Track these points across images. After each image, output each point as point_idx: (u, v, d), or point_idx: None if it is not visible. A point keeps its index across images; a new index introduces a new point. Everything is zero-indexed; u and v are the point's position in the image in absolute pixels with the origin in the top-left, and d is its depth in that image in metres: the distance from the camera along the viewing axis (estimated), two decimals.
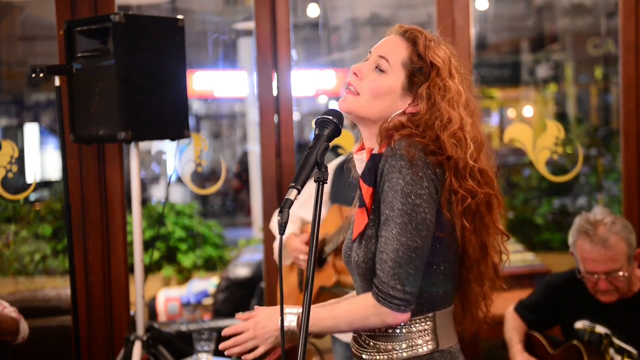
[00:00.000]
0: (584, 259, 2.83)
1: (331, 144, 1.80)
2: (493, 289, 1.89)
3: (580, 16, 9.38)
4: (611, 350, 2.84)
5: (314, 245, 1.66)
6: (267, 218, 3.68)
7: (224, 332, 1.86)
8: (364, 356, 1.85)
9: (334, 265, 2.82)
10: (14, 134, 8.06)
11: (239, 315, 1.88)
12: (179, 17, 3.24)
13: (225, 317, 4.94)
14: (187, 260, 6.89)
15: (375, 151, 1.81)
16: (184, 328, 4.60)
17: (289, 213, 1.65)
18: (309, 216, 3.01)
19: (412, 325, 1.80)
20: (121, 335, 3.53)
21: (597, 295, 2.86)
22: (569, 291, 2.99)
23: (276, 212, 3.21)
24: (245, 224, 9.53)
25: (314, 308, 1.79)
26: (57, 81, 3.07)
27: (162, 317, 5.99)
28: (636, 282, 2.89)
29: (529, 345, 3.07)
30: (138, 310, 3.20)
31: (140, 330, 3.18)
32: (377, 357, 1.82)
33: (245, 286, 5.08)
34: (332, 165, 3.00)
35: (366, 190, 1.77)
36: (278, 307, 1.79)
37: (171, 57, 3.20)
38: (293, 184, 1.69)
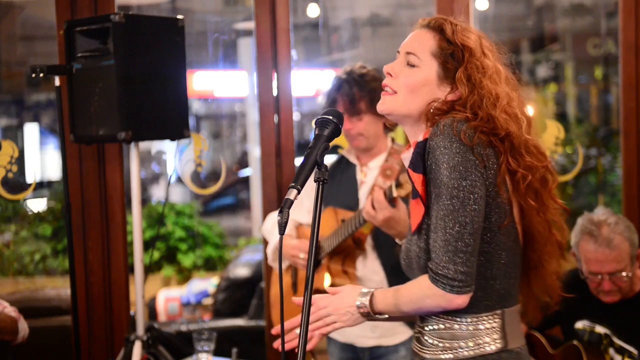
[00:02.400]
0: (587, 260, 2.83)
1: (331, 144, 1.80)
2: (560, 268, 1.87)
3: (580, 16, 9.37)
4: (611, 350, 2.84)
5: (314, 245, 1.66)
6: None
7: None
8: (426, 356, 1.81)
9: (328, 268, 2.81)
10: (14, 134, 8.06)
11: (329, 289, 1.89)
12: (179, 17, 3.24)
13: (225, 317, 4.95)
14: (187, 260, 6.89)
15: (420, 139, 1.78)
16: (184, 328, 4.60)
17: (289, 213, 1.65)
18: (299, 218, 3.00)
19: (480, 323, 1.76)
20: (121, 335, 3.53)
21: (600, 295, 2.86)
22: (569, 291, 2.99)
23: (268, 217, 3.21)
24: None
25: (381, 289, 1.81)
26: (57, 81, 3.07)
27: (162, 317, 5.99)
28: (637, 282, 2.89)
29: (529, 345, 3.07)
30: (138, 310, 3.20)
31: (140, 330, 3.18)
32: (442, 356, 1.78)
33: (245, 286, 5.08)
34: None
35: (417, 178, 1.74)
36: (358, 286, 1.82)
37: (171, 57, 3.20)
38: (293, 184, 1.69)
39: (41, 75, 3.01)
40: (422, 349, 1.83)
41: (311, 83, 8.95)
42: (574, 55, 9.68)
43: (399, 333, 2.81)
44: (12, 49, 6.47)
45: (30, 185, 3.81)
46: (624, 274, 2.79)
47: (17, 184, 3.66)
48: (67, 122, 3.21)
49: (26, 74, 7.02)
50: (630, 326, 2.85)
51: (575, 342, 2.89)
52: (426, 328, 1.82)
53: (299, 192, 1.68)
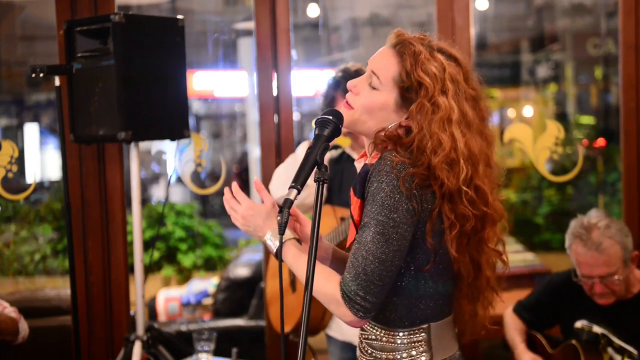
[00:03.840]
0: (579, 263, 2.84)
1: (331, 144, 1.80)
2: (487, 304, 1.87)
3: (580, 16, 9.37)
4: (610, 350, 2.84)
5: (314, 245, 1.66)
6: None
7: (235, 187, 1.90)
8: None
9: None
10: (14, 134, 8.06)
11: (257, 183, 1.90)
12: (179, 17, 3.24)
13: (225, 317, 4.95)
14: (187, 260, 6.89)
15: (368, 161, 1.79)
16: (184, 328, 4.60)
17: (289, 213, 1.66)
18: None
19: (409, 336, 1.80)
20: (121, 335, 3.53)
21: (594, 298, 2.86)
22: (568, 291, 2.99)
23: (275, 173, 3.19)
24: None
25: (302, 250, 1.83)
26: (57, 81, 3.07)
27: (162, 317, 5.99)
28: (635, 284, 2.88)
29: (530, 344, 3.08)
30: (138, 310, 3.20)
31: (140, 330, 3.18)
32: None
33: (245, 286, 5.08)
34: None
35: (355, 203, 1.77)
36: (274, 217, 1.84)
37: (171, 57, 3.20)
38: (293, 184, 1.69)
39: (41, 75, 3.01)
40: (361, 355, 1.88)
41: (311, 83, 8.95)
42: (574, 55, 9.68)
43: None
44: (12, 49, 6.47)
45: (30, 185, 3.81)
46: (615, 277, 2.78)
47: (17, 184, 3.66)
48: (67, 122, 3.21)
49: (26, 74, 7.02)
50: (628, 327, 2.85)
51: (573, 342, 2.89)
52: (365, 336, 1.86)
53: (299, 192, 1.69)
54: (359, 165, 1.86)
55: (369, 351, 1.84)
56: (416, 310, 1.79)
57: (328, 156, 2.99)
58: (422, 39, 1.80)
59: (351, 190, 1.79)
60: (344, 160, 3.01)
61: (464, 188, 1.71)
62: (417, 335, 1.80)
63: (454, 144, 1.71)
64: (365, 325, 1.85)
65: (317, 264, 1.75)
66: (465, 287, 1.82)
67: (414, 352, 1.79)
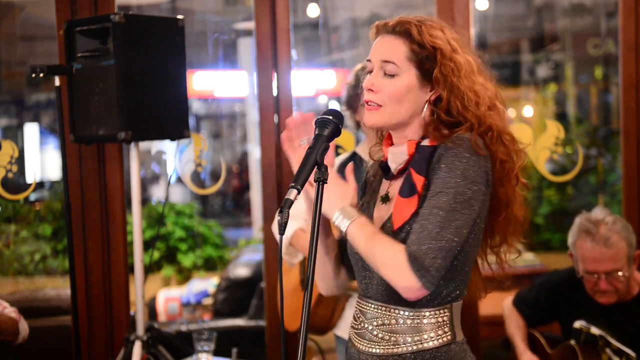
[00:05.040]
0: (584, 258, 2.83)
1: (331, 144, 1.80)
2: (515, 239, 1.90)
3: (580, 16, 9.37)
4: (608, 351, 2.84)
5: (314, 245, 1.66)
6: (267, 218, 3.68)
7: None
8: (376, 350, 1.81)
9: None
10: (14, 134, 8.06)
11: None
12: (179, 17, 3.24)
13: (225, 317, 4.95)
14: (187, 260, 6.89)
15: (426, 143, 1.80)
16: (184, 328, 4.60)
17: (288, 213, 1.65)
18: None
19: (435, 316, 1.78)
20: (121, 335, 3.53)
21: (596, 296, 2.86)
22: (568, 290, 2.99)
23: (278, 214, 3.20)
24: (245, 224, 9.53)
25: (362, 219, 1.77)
26: (57, 81, 3.07)
27: (162, 317, 5.99)
28: (635, 286, 2.89)
29: (530, 343, 3.08)
30: (138, 310, 3.20)
31: (140, 330, 3.18)
32: (400, 349, 1.78)
33: (245, 286, 5.08)
34: (337, 161, 2.97)
35: (419, 180, 1.75)
36: (348, 199, 1.79)
37: (171, 57, 3.20)
38: (293, 184, 1.69)
39: (41, 75, 3.01)
40: (369, 344, 1.83)
41: (311, 83, 8.95)
42: (574, 55, 9.69)
43: None
44: (12, 49, 6.47)
45: (30, 185, 3.81)
46: (620, 273, 2.78)
47: (17, 184, 3.66)
48: (67, 122, 3.21)
49: (26, 74, 7.02)
50: (627, 329, 2.85)
51: (572, 342, 2.89)
52: (372, 322, 1.83)
53: (299, 192, 1.68)
54: (395, 150, 1.84)
55: (387, 337, 1.80)
56: (445, 289, 1.77)
57: (337, 161, 2.98)
58: (407, 17, 1.87)
59: (411, 170, 1.78)
60: (357, 162, 2.99)
61: (506, 129, 1.81)
62: (443, 315, 1.79)
63: (486, 89, 1.81)
64: (379, 311, 1.81)
65: (378, 232, 1.76)
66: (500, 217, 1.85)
67: (440, 332, 1.78)
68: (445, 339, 1.78)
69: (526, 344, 3.04)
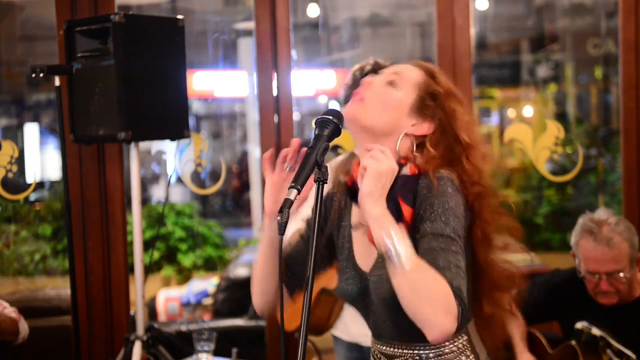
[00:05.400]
0: (586, 259, 2.83)
1: (331, 144, 1.79)
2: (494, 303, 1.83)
3: (580, 16, 9.37)
4: (609, 352, 2.84)
5: (314, 245, 1.66)
6: None
7: None
8: None
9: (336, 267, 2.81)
10: (14, 134, 8.06)
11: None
12: (179, 17, 3.24)
13: (225, 317, 4.95)
14: (187, 260, 6.89)
15: (406, 172, 1.75)
16: (184, 328, 4.60)
17: (288, 213, 1.64)
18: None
19: (455, 343, 1.76)
20: (121, 335, 3.53)
21: (598, 297, 2.86)
22: (569, 291, 2.99)
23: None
24: (245, 224, 9.53)
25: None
26: (57, 81, 3.07)
27: (162, 317, 5.99)
28: (637, 287, 2.88)
29: (530, 343, 3.07)
30: (138, 310, 3.20)
31: (140, 330, 3.18)
32: None
33: (245, 286, 5.04)
34: (332, 165, 2.98)
35: (407, 210, 1.71)
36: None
37: (171, 57, 3.20)
38: (293, 184, 1.68)
39: (41, 75, 3.01)
40: None
41: (311, 83, 8.96)
42: (574, 55, 9.69)
43: None
44: (12, 49, 6.47)
45: (30, 185, 3.81)
46: (621, 274, 2.78)
47: (17, 184, 3.67)
48: (67, 122, 3.21)
49: (26, 74, 7.03)
50: (629, 331, 2.85)
51: (572, 343, 2.89)
52: None
53: (299, 192, 1.68)
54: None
55: None
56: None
57: (336, 161, 2.97)
58: None
59: (399, 199, 1.72)
60: None
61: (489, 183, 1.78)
62: (461, 340, 1.77)
63: (480, 146, 1.80)
64: (400, 350, 1.78)
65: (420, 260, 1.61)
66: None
67: (463, 358, 1.76)
68: None
69: (525, 343, 3.04)
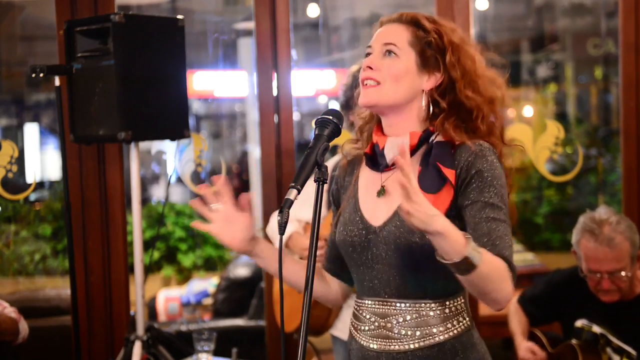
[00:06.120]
0: (587, 258, 2.83)
1: (331, 144, 1.80)
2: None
3: (580, 16, 9.37)
4: (609, 350, 2.84)
5: (313, 245, 1.66)
6: (267, 218, 3.67)
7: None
8: (411, 346, 1.79)
9: None
10: (14, 134, 8.06)
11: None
12: (179, 17, 3.24)
13: (225, 317, 4.95)
14: (187, 260, 6.89)
15: (440, 139, 1.81)
16: (184, 328, 4.61)
17: (289, 213, 1.65)
18: (307, 216, 2.99)
19: (460, 302, 1.82)
20: (121, 335, 3.53)
21: (599, 294, 2.86)
22: (571, 289, 2.99)
23: (273, 216, 3.20)
24: None
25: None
26: (57, 81, 3.07)
27: (162, 317, 5.99)
28: (638, 285, 2.89)
29: (531, 341, 3.08)
30: (138, 310, 3.20)
31: (140, 330, 3.18)
32: (437, 339, 1.78)
33: (245, 286, 5.08)
34: (330, 164, 2.98)
35: (450, 173, 1.75)
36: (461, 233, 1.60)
37: (171, 57, 3.20)
38: (293, 184, 1.68)
39: (41, 75, 3.01)
40: (390, 342, 1.81)
41: (311, 83, 8.95)
42: (574, 55, 9.69)
43: None
44: (12, 49, 6.47)
45: (30, 185, 3.81)
46: (623, 273, 2.79)
47: (17, 184, 3.66)
48: (67, 122, 3.21)
49: (26, 74, 7.02)
50: (629, 328, 2.85)
51: (572, 342, 2.89)
52: (393, 320, 1.81)
53: (299, 192, 1.68)
54: (394, 141, 1.82)
55: (419, 332, 1.78)
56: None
57: (333, 161, 2.97)
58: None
59: (438, 164, 1.76)
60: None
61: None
62: (460, 302, 1.82)
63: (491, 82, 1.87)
64: (400, 307, 1.80)
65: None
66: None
67: (466, 316, 1.82)
68: (466, 324, 1.82)
69: (525, 338, 3.05)
